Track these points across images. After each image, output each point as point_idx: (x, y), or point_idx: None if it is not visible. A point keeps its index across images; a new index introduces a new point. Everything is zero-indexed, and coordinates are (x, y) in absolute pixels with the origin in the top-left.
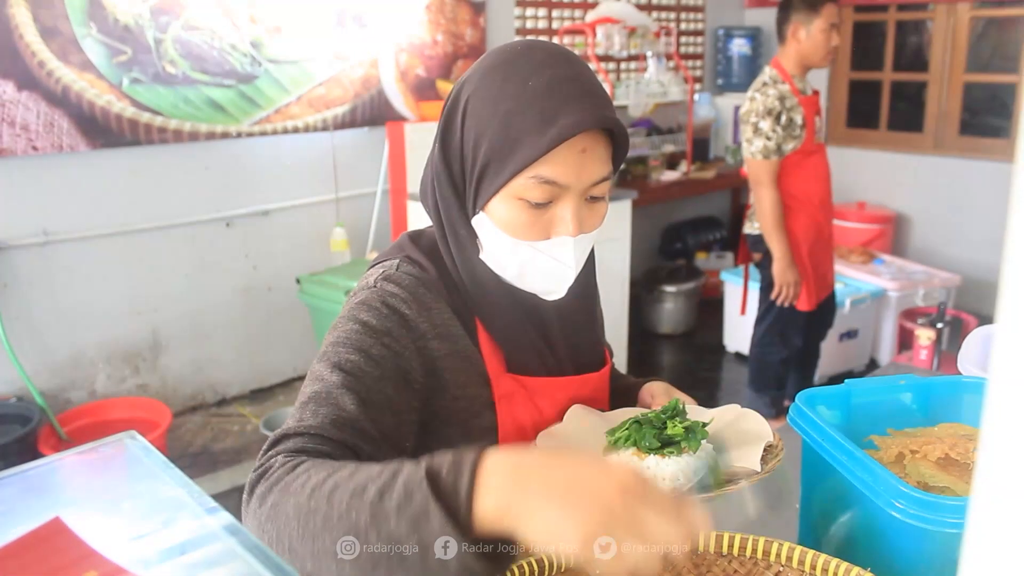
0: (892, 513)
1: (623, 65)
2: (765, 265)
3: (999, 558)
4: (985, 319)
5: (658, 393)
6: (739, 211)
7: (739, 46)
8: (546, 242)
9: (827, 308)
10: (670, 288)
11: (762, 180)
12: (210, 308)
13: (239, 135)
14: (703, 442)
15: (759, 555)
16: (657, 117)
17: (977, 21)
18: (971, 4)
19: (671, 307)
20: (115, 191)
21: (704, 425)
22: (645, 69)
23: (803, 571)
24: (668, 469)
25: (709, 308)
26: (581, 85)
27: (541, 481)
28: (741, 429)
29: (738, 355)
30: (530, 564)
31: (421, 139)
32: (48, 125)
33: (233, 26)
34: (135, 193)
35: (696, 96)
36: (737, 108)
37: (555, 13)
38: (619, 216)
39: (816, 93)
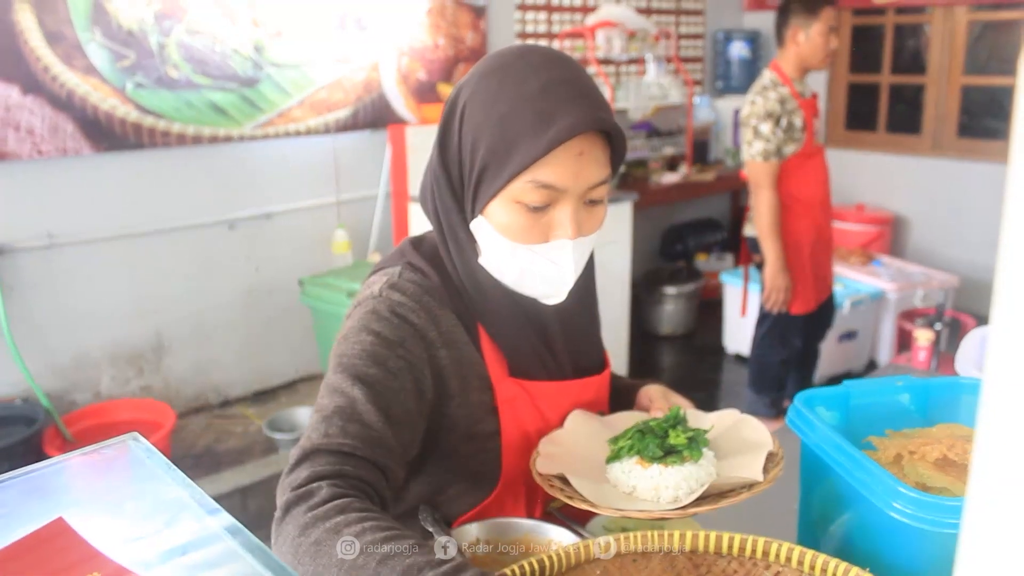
0: (890, 514)
1: (623, 68)
2: (765, 267)
3: (994, 558)
4: (983, 320)
5: (656, 396)
6: (739, 213)
7: (738, 49)
8: (544, 246)
9: (826, 309)
10: (670, 290)
11: (762, 183)
12: (213, 310)
13: (241, 138)
14: (704, 450)
15: (758, 555)
16: (657, 120)
17: (974, 24)
18: (968, 7)
19: (671, 309)
20: (119, 194)
21: (705, 433)
22: (645, 72)
23: (802, 571)
24: (671, 478)
25: (709, 310)
26: (577, 88)
27: None
28: (741, 436)
29: (738, 356)
30: (531, 564)
31: (422, 142)
32: (53, 129)
33: (235, 30)
34: (139, 196)
35: (696, 99)
36: (736, 111)
37: (555, 17)
38: (619, 218)
39: (815, 96)
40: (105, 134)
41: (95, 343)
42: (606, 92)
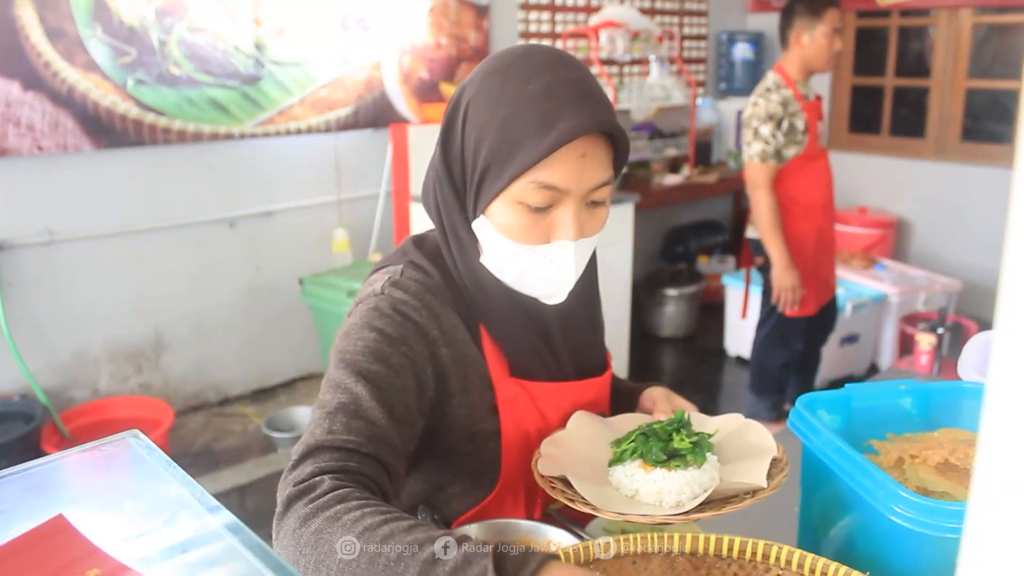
0: (891, 518)
1: (626, 69)
2: (767, 269)
3: (997, 564)
4: (986, 324)
5: (659, 399)
6: (741, 215)
7: (742, 51)
8: (546, 246)
9: (828, 312)
10: (672, 292)
11: (759, 184)
12: (213, 308)
13: (242, 136)
14: (708, 455)
15: (758, 558)
16: (660, 121)
17: (979, 27)
18: (973, 10)
19: (672, 311)
20: (119, 191)
21: (709, 437)
22: (648, 73)
23: (802, 574)
24: (674, 483)
25: (710, 312)
26: (580, 89)
27: None
28: (746, 441)
29: (739, 359)
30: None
31: (424, 141)
32: (53, 125)
33: (237, 28)
34: (139, 193)
35: (699, 100)
36: (740, 112)
37: (559, 17)
38: (621, 219)
39: (819, 98)
40: (106, 131)
41: (94, 340)
42: (609, 93)
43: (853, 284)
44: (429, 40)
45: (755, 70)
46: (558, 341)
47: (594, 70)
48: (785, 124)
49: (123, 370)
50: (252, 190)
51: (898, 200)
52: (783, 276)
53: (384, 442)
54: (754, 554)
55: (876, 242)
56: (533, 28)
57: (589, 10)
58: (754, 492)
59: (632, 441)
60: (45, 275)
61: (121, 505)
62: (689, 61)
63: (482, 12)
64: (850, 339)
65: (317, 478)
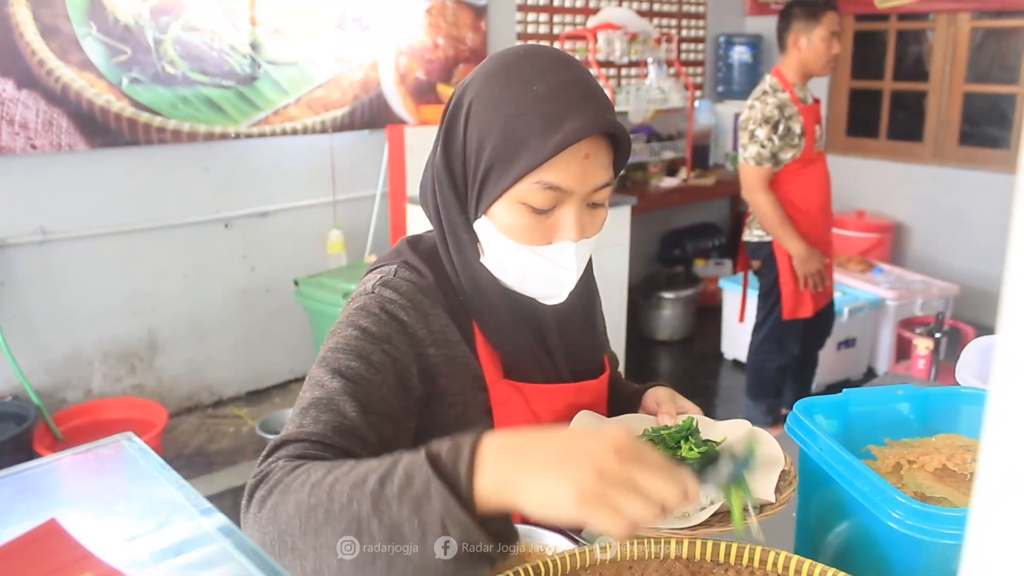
0: (889, 523)
1: (624, 71)
2: (764, 272)
3: (999, 569)
4: (983, 329)
5: (663, 399)
6: (738, 218)
7: (740, 53)
8: (548, 247)
9: (825, 316)
10: (668, 295)
11: (754, 187)
12: (207, 309)
13: (238, 136)
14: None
15: (755, 564)
16: (657, 123)
17: (977, 31)
18: (971, 14)
19: (669, 314)
20: (113, 190)
21: (717, 446)
22: (646, 75)
23: None
24: None
25: (707, 315)
26: (584, 89)
27: (536, 453)
28: None
29: (736, 362)
30: (525, 570)
31: (421, 142)
32: (47, 124)
33: (233, 27)
34: (133, 193)
35: (696, 103)
36: (737, 115)
37: (556, 18)
38: (618, 222)
39: (817, 102)
40: (100, 130)
41: (87, 340)
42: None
43: (850, 288)
44: (426, 41)
45: (753, 73)
46: (554, 343)
47: (592, 72)
48: (781, 127)
49: (116, 371)
50: (247, 190)
51: (896, 204)
52: (807, 264)
53: (354, 435)
54: (751, 560)
55: (873, 246)
56: (531, 29)
57: (587, 12)
58: (761, 507)
59: None
60: (38, 275)
61: (114, 508)
62: (687, 64)
63: (480, 13)
64: (847, 343)
65: (275, 465)
